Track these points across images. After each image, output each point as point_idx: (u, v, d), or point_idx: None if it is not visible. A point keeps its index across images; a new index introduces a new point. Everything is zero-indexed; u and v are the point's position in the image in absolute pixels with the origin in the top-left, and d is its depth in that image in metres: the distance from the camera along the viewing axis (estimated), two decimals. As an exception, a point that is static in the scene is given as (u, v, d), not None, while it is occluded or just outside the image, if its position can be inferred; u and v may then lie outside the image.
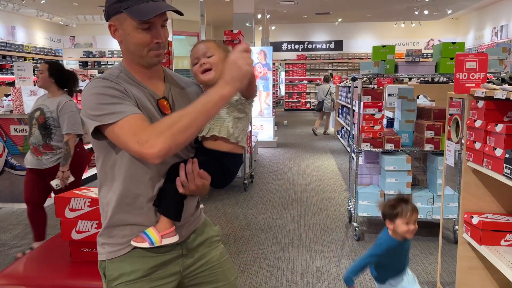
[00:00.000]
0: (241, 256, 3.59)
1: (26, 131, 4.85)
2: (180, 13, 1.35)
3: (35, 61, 15.00)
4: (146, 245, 1.35)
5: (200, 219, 1.56)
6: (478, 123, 2.34)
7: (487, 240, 2.32)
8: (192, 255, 1.49)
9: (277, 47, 18.95)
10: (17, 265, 2.37)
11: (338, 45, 19.36)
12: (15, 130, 4.89)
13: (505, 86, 2.11)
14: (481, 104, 2.32)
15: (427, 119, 3.91)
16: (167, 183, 1.36)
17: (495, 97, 2.13)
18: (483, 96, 2.28)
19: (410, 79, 6.39)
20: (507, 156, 2.01)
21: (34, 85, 5.21)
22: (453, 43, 3.66)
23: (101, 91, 1.27)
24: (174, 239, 1.39)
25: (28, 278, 2.25)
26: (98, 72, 15.88)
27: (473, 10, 16.13)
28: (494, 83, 2.28)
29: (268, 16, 14.60)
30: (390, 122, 4.47)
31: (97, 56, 18.51)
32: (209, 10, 5.74)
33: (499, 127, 2.11)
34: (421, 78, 5.44)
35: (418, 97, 4.73)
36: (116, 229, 1.39)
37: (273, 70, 17.45)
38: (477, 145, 2.35)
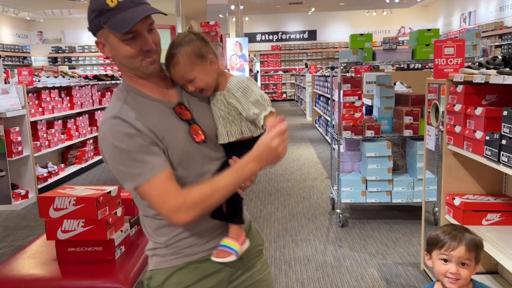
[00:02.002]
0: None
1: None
2: (164, 13, 1.26)
3: (2, 58, 14.44)
4: (232, 258, 1.30)
5: (246, 225, 1.45)
6: (457, 107, 2.40)
7: (469, 220, 2.40)
8: (241, 266, 1.38)
9: (251, 38, 18.87)
10: (1, 268, 2.31)
11: (312, 34, 19.45)
12: (-13, 130, 4.72)
13: (483, 70, 2.17)
14: (460, 88, 2.38)
15: (405, 105, 3.99)
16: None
17: (474, 81, 2.20)
18: (462, 80, 2.34)
19: (387, 66, 6.50)
20: (487, 138, 2.08)
21: (5, 83, 5.03)
22: (428, 30, 3.73)
23: (120, 143, 1.18)
24: (247, 244, 1.36)
25: (15, 280, 2.19)
26: (69, 68, 15.43)
27: (442, -3, 16.48)
28: (471, 68, 2.34)
29: (241, 7, 14.51)
30: (369, 110, 4.54)
31: (67, 51, 18.01)
32: (183, 2, 5.65)
33: (479, 110, 2.18)
34: (397, 65, 5.54)
35: (395, 84, 4.81)
36: (168, 248, 1.33)
37: (249, 62, 17.38)
38: (457, 129, 2.42)
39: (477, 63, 2.37)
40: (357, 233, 3.80)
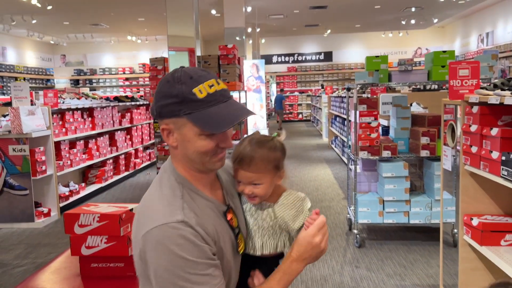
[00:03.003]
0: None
1: (25, 151, 4.86)
2: (253, 113, 1.17)
3: (27, 80, 14.97)
4: None
5: None
6: (473, 128, 2.42)
7: (487, 240, 2.39)
8: None
9: (267, 60, 19.15)
10: (26, 283, 2.39)
11: (328, 56, 19.63)
12: (14, 150, 4.89)
13: (498, 91, 2.20)
14: (475, 109, 2.41)
15: (422, 126, 4.00)
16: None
17: (489, 102, 2.23)
18: (477, 101, 2.37)
19: (403, 87, 6.53)
20: (503, 158, 2.10)
21: (31, 104, 5.24)
22: (444, 51, 3.78)
23: (187, 255, 1.03)
24: None
25: (39, 295, 2.27)
26: (90, 90, 15.86)
27: (458, 18, 16.50)
28: (487, 89, 2.37)
29: (258, 30, 14.80)
30: (385, 130, 4.56)
31: (88, 74, 18.56)
32: (201, 25, 5.84)
33: (495, 131, 2.20)
34: (413, 86, 5.57)
35: (411, 105, 4.84)
36: None
37: (265, 83, 17.58)
38: (474, 149, 2.44)
39: (492, 84, 2.40)
40: (375, 253, 3.78)
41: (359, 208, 3.99)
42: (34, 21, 12.25)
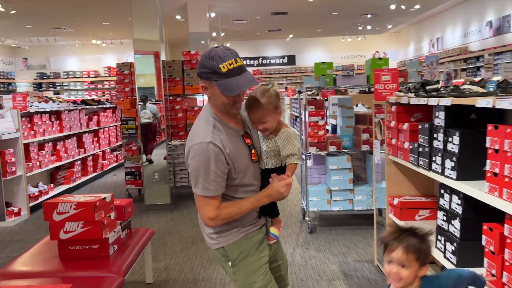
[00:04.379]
0: (208, 253, 4.01)
1: (-5, 153, 5.05)
2: (257, 84, 1.79)
3: (-12, 84, 14.70)
4: (273, 241, 2.00)
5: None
6: (392, 123, 2.94)
7: (405, 216, 2.90)
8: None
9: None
10: (10, 265, 2.69)
11: (291, 59, 20.24)
12: (-16, 152, 5.07)
13: (408, 94, 2.72)
14: (394, 108, 2.92)
15: (364, 124, 4.53)
16: None
17: (401, 102, 2.74)
18: (395, 102, 2.88)
19: (352, 90, 7.10)
20: (411, 147, 2.61)
21: (0, 108, 5.42)
22: (380, 58, 4.32)
23: (208, 163, 1.70)
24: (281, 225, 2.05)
25: (22, 274, 2.58)
26: (54, 94, 15.75)
27: (411, 24, 17.50)
28: (402, 92, 2.89)
29: (222, 34, 15.19)
30: (334, 128, 5.07)
31: (52, 77, 18.34)
32: (166, 30, 6.17)
33: (406, 126, 2.71)
34: (360, 89, 6.13)
35: (357, 105, 5.37)
36: (232, 228, 1.87)
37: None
38: (393, 141, 2.95)
39: (407, 88, 2.92)
40: (323, 237, 4.27)
41: (310, 198, 4.47)
42: (-5, 25, 12.14)
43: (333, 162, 4.37)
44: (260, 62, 20.31)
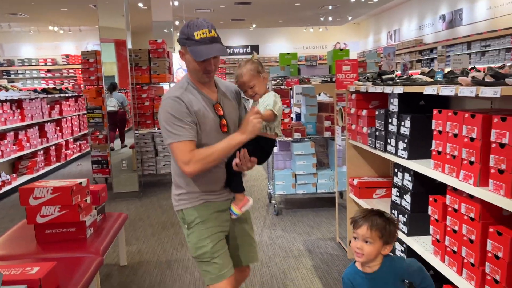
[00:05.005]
0: (179, 236, 4.16)
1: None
2: (225, 54, 1.95)
3: None
4: (233, 217, 2.03)
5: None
6: (352, 110, 3.19)
7: (363, 195, 3.18)
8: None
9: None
10: (-14, 251, 2.73)
11: (255, 49, 20.36)
12: None
13: (367, 83, 2.97)
14: (354, 96, 3.17)
15: (326, 112, 4.79)
16: (231, 170, 1.96)
17: (360, 90, 2.99)
18: (354, 90, 3.13)
19: (315, 80, 7.38)
20: (368, 131, 2.87)
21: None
22: (341, 49, 4.58)
23: (174, 113, 1.81)
24: (249, 204, 2.06)
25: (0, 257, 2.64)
26: (8, 82, 15.11)
27: (371, 16, 18.07)
28: (361, 81, 3.14)
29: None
30: (298, 116, 5.31)
31: (6, 65, 17.57)
32: (131, 18, 6.14)
33: (364, 112, 2.96)
34: (322, 79, 6.41)
35: (319, 94, 5.63)
36: (193, 193, 1.98)
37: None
38: (353, 127, 3.20)
39: (365, 78, 3.17)
40: (289, 219, 4.52)
41: (276, 182, 4.70)
42: None
43: (297, 148, 4.61)
44: (224, 52, 20.31)
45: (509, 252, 1.57)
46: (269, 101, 1.96)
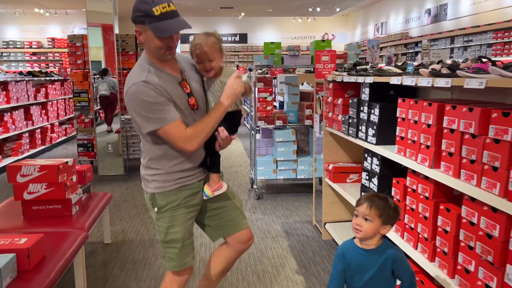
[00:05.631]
0: (162, 217, 4.30)
1: None
2: (189, 27, 1.81)
3: None
4: (204, 198, 2.02)
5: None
6: (329, 99, 3.35)
7: (337, 179, 3.36)
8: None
9: (184, 39, 19.32)
10: (-26, 225, 2.83)
11: (243, 38, 20.40)
12: None
13: (342, 73, 3.13)
14: (331, 85, 3.33)
15: (308, 101, 4.95)
16: (211, 150, 1.99)
17: (337, 80, 3.15)
18: (332, 80, 3.29)
19: (299, 69, 7.52)
20: (343, 119, 3.03)
21: None
22: (323, 41, 4.73)
23: (149, 98, 1.73)
24: (223, 189, 2.06)
25: (-11, 232, 2.75)
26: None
27: (359, 8, 18.21)
28: (338, 71, 3.29)
29: (174, 9, 15.01)
30: (282, 105, 5.47)
31: (-10, 47, 17.30)
32: (119, 3, 6.18)
33: (340, 100, 3.13)
34: (306, 69, 6.54)
35: (303, 84, 5.79)
36: (169, 173, 1.93)
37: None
38: (330, 114, 3.37)
39: (342, 68, 3.33)
40: (269, 203, 4.70)
41: (258, 168, 4.87)
42: None
43: (279, 135, 4.77)
44: (212, 39, 20.28)
45: (455, 226, 1.76)
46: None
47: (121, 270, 3.17)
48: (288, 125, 4.86)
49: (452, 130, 1.75)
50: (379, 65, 3.21)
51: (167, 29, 1.71)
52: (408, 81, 2.04)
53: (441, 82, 1.75)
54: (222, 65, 2.02)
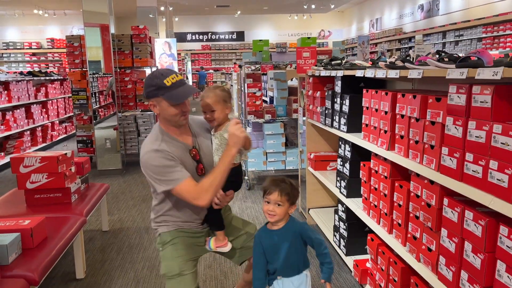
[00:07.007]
0: (157, 207, 4.55)
1: None
2: (198, 91, 2.04)
3: None
4: (205, 247, 2.09)
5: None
6: (310, 92, 3.59)
7: (318, 167, 3.60)
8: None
9: (181, 37, 19.61)
10: (-19, 213, 3.08)
11: (240, 35, 20.62)
12: None
13: (319, 68, 3.36)
14: (311, 80, 3.56)
15: (295, 95, 5.18)
16: (210, 208, 1.96)
17: (315, 74, 3.38)
18: (312, 74, 3.52)
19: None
20: (321, 111, 3.27)
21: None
22: (308, 37, 4.96)
23: (160, 163, 1.83)
24: (226, 249, 2.09)
25: (-5, 218, 2.99)
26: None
27: (354, 4, 18.40)
28: (317, 66, 3.53)
29: (171, 9, 15.26)
30: (272, 100, 5.70)
31: (-10, 48, 17.56)
32: (114, 3, 6.39)
33: (318, 93, 3.37)
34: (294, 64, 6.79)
35: (292, 79, 6.02)
36: (171, 218, 2.03)
37: (179, 60, 18.08)
38: (311, 107, 3.61)
39: (321, 63, 3.56)
40: (259, 193, 4.94)
41: (249, 160, 5.10)
42: None
43: (268, 128, 5.01)
44: (209, 38, 20.51)
45: (406, 200, 2.00)
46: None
47: (117, 253, 3.42)
48: (277, 119, 5.09)
49: (402, 116, 1.99)
50: (356, 61, 3.44)
51: (180, 96, 1.86)
52: (369, 73, 2.27)
53: (391, 73, 1.99)
54: (229, 117, 2.08)
